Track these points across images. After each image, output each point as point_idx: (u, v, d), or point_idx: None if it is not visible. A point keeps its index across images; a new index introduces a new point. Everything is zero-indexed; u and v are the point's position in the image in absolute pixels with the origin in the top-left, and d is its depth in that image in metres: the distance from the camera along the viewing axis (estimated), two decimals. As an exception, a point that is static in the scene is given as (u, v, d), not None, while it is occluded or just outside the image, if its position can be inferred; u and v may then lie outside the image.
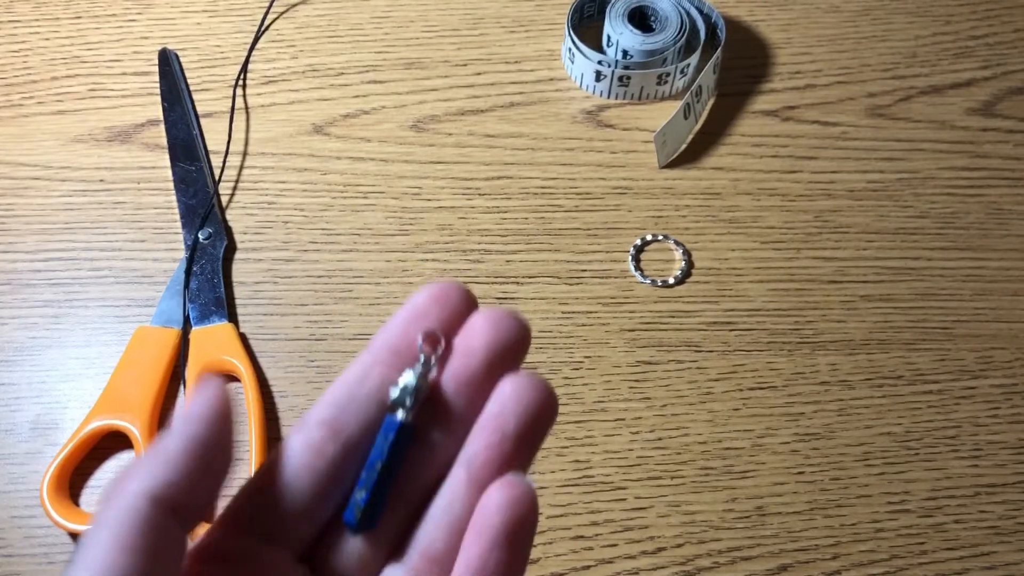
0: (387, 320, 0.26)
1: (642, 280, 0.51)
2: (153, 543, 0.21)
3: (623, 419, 0.48)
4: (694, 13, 0.58)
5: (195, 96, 0.57)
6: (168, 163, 0.54)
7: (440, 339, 0.26)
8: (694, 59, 0.57)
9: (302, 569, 0.25)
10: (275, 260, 0.52)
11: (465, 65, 0.59)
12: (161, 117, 0.56)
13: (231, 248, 0.52)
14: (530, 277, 0.51)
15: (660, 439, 0.47)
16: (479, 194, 0.54)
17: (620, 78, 0.56)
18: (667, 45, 0.56)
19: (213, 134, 0.55)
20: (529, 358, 0.49)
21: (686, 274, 0.52)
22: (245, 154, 0.55)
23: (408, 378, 0.25)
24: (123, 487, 0.22)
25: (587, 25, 0.59)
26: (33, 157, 0.54)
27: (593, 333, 0.50)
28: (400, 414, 0.25)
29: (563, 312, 0.50)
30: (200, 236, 0.51)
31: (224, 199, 0.53)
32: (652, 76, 0.56)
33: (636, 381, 0.49)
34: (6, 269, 0.51)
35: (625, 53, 0.56)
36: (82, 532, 0.23)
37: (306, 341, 0.50)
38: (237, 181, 0.54)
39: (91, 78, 0.58)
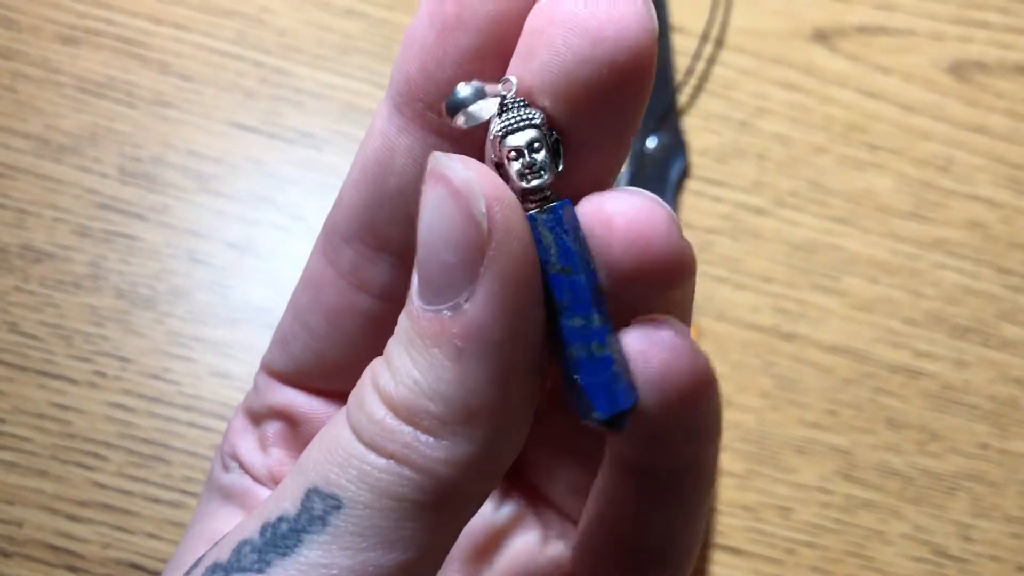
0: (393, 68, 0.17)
1: None
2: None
3: None
4: None
5: (658, -54, 0.41)
6: (616, 28, 0.39)
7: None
8: None
9: None
10: (739, 205, 0.37)
11: (1035, 3, 0.42)
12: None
13: (683, 173, 0.37)
14: (1089, 335, 0.35)
15: None
16: (1030, 192, 0.38)
17: None
18: None
19: (681, 3, 0.39)
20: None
21: None
22: (719, 44, 0.39)
23: (528, 135, 0.15)
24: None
25: None
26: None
27: None
28: (539, 194, 0.15)
29: None
30: (649, 144, 0.36)
31: (680, 100, 0.38)
32: None
33: None
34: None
35: None
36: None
37: (768, 335, 0.35)
38: (703, 79, 0.38)
39: None
